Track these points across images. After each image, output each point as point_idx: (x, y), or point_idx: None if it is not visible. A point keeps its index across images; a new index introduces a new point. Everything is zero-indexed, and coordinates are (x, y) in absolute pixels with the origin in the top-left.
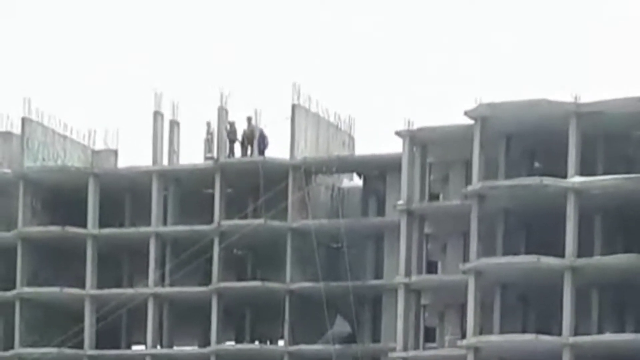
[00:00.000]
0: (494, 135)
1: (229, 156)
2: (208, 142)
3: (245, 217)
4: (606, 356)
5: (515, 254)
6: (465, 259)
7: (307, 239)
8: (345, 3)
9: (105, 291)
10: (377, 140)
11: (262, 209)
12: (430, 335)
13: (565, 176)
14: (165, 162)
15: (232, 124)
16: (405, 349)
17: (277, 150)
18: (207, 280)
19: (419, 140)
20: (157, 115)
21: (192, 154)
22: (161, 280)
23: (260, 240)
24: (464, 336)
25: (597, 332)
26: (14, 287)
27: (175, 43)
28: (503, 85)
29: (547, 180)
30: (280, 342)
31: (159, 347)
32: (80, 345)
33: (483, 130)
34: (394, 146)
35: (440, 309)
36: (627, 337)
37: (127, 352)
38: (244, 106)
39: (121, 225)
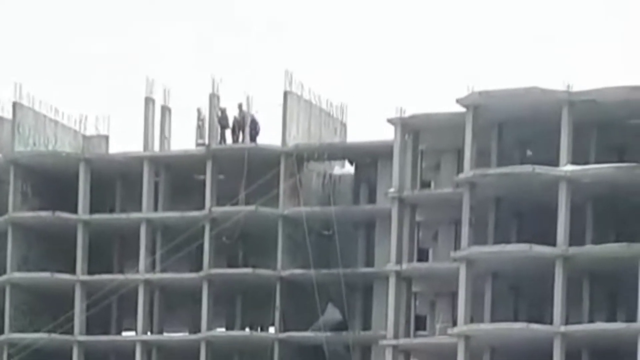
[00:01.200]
0: (486, 123)
1: (220, 143)
2: (199, 128)
3: (236, 203)
4: (597, 345)
5: (507, 242)
6: (457, 247)
7: (298, 226)
8: None
9: (96, 277)
10: (369, 127)
11: (247, 196)
12: (421, 323)
13: (557, 165)
14: (156, 148)
15: (223, 111)
16: (396, 336)
17: (269, 137)
18: (197, 267)
19: (411, 128)
20: (149, 101)
21: (183, 140)
22: (152, 267)
23: (251, 227)
24: (454, 324)
25: (589, 321)
26: (4, 272)
27: (167, 29)
28: (495, 73)
29: (539, 169)
30: (271, 329)
31: (149, 333)
32: (70, 331)
33: (475, 118)
34: (386, 133)
35: (431, 297)
36: (619, 326)
37: (118, 338)
38: (235, 93)
39: (112, 211)
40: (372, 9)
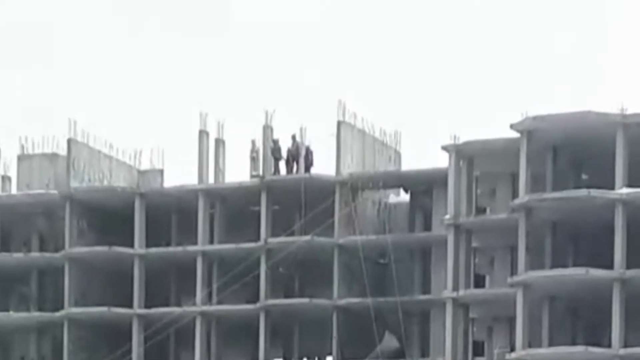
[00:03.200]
0: (540, 147)
1: (274, 174)
2: (253, 160)
3: (292, 234)
4: None
5: (564, 266)
6: (513, 272)
7: (354, 254)
8: (389, 19)
9: (153, 310)
10: (423, 154)
11: (303, 226)
12: (478, 349)
13: (612, 188)
14: (211, 180)
15: (276, 142)
16: None
17: (324, 166)
18: (254, 298)
19: (465, 154)
20: (203, 134)
21: (237, 172)
22: (208, 299)
23: (307, 257)
24: (512, 349)
25: None
26: (62, 307)
27: (220, 62)
28: (549, 97)
29: (595, 192)
30: (329, 359)
31: None
32: None
33: (529, 142)
34: (440, 160)
35: (489, 322)
36: None
37: None
38: (288, 124)
39: (168, 244)
40: (425, 37)
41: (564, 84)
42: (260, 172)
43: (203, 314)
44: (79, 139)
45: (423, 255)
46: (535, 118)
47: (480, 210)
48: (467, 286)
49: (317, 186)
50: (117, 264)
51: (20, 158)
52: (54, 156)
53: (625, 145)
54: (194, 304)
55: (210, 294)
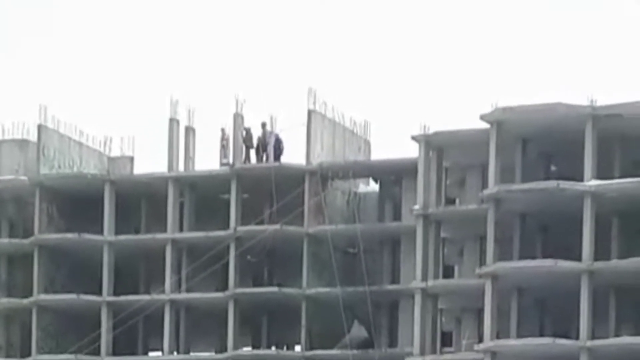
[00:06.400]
0: (510, 139)
1: (244, 162)
2: (223, 148)
3: (261, 222)
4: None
5: (532, 257)
6: (482, 263)
7: (323, 244)
8: (360, 8)
9: (122, 298)
10: (393, 145)
11: (272, 215)
12: (447, 340)
13: (581, 179)
14: (181, 168)
15: (247, 130)
16: (422, 353)
17: (293, 155)
18: (223, 286)
19: (435, 145)
20: (173, 121)
21: (207, 160)
22: (178, 287)
23: (276, 246)
24: (481, 340)
25: (615, 336)
26: (30, 294)
27: (190, 49)
28: (518, 88)
29: (564, 184)
30: (297, 348)
31: (175, 353)
32: (97, 351)
33: (499, 134)
34: (410, 151)
35: (457, 313)
36: None
37: (144, 358)
38: (259, 112)
39: (137, 231)
40: (395, 27)
41: (534, 75)
42: (230, 161)
43: (172, 302)
44: (49, 125)
45: (392, 245)
46: (504, 109)
47: (450, 201)
48: (436, 276)
49: (286, 175)
50: (86, 251)
51: None
52: (23, 142)
53: (595, 137)
54: (163, 291)
55: (179, 282)
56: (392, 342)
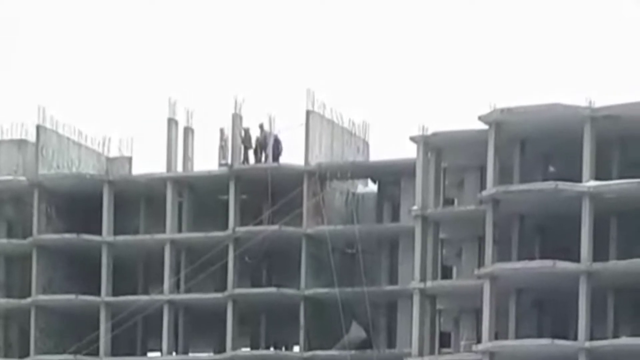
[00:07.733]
0: (508, 140)
1: (243, 163)
2: (222, 148)
3: (260, 223)
4: None
5: (531, 258)
6: (480, 264)
7: (322, 244)
8: (360, 9)
9: (121, 298)
10: (392, 145)
11: (271, 215)
12: (445, 341)
13: (580, 180)
14: (179, 169)
15: (246, 131)
16: (420, 354)
17: (292, 156)
18: (222, 287)
19: (434, 146)
20: (172, 122)
21: (206, 160)
22: (176, 287)
23: (275, 247)
24: (479, 341)
25: (613, 337)
26: (29, 294)
27: (189, 50)
28: (517, 89)
29: (562, 185)
30: (296, 348)
31: (174, 353)
32: (95, 352)
33: (497, 135)
34: (409, 151)
35: (456, 314)
36: None
37: (143, 359)
38: (258, 113)
39: (136, 232)
40: (393, 27)
41: (532, 76)
42: (229, 161)
43: (171, 303)
44: (48, 125)
45: (391, 245)
46: (503, 110)
47: (448, 202)
48: (434, 277)
49: (285, 176)
50: (85, 252)
51: None
52: (22, 143)
53: (593, 138)
54: (162, 292)
55: (178, 283)
56: (391, 343)
